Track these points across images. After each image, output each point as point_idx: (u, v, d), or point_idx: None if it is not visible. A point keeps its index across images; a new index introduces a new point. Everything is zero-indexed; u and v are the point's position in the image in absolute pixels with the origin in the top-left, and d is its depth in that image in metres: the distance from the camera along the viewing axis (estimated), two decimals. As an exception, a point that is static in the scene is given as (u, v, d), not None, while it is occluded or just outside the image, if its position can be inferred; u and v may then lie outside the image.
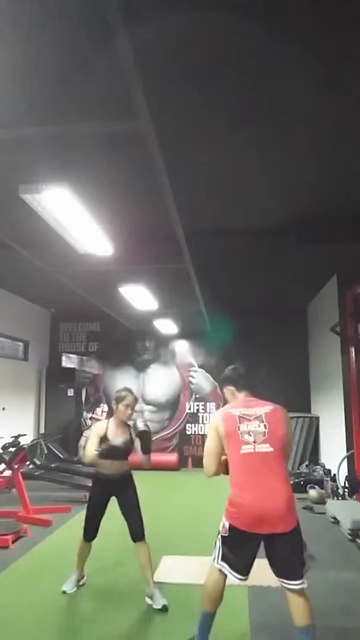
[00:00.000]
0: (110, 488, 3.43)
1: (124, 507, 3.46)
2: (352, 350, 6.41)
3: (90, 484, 6.36)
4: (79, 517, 5.41)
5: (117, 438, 3.37)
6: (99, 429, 3.39)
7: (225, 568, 2.47)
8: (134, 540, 3.37)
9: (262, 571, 3.64)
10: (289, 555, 2.42)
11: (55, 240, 4.26)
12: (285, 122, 3.15)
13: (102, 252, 4.36)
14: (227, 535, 2.45)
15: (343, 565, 3.92)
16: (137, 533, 3.38)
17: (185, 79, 2.70)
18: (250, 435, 2.49)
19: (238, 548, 2.45)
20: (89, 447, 3.28)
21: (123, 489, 3.46)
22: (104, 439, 3.32)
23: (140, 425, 3.41)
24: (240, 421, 2.54)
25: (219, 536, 2.51)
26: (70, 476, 6.79)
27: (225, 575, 2.50)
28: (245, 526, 2.39)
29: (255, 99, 2.90)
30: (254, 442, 2.47)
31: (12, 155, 3.46)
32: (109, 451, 3.32)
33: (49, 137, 3.22)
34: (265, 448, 2.46)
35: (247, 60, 2.56)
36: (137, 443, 3.41)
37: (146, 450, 3.40)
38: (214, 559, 2.52)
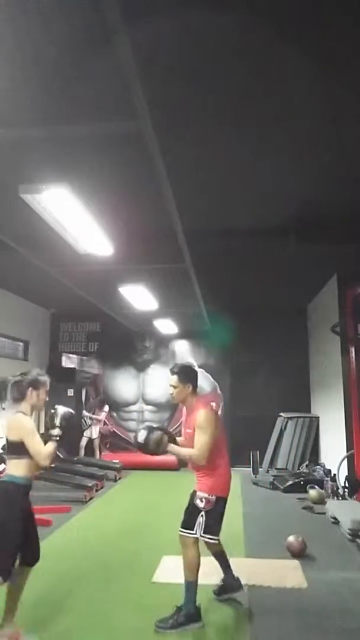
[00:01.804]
0: (25, 500, 2.63)
1: (31, 523, 2.69)
2: (352, 350, 6.41)
3: (89, 484, 6.47)
4: (79, 517, 5.42)
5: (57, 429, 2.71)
6: (33, 425, 2.62)
7: (207, 537, 2.93)
8: (34, 564, 2.70)
9: (262, 571, 3.65)
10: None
11: (55, 240, 4.26)
12: (285, 123, 3.15)
13: (102, 252, 4.36)
14: (212, 508, 2.91)
15: (343, 565, 3.92)
16: (39, 554, 2.74)
17: (185, 79, 2.70)
18: (221, 421, 3.17)
19: (220, 515, 2.97)
20: (40, 445, 2.55)
21: (29, 503, 2.69)
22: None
23: (63, 410, 2.75)
24: (218, 413, 3.06)
25: (202, 512, 2.91)
26: (70, 476, 6.80)
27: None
28: (226, 493, 3.00)
29: (255, 99, 2.90)
30: (222, 425, 3.15)
31: (12, 155, 3.46)
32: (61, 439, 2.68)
33: (49, 137, 3.22)
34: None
35: (247, 60, 2.56)
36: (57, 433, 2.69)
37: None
38: (196, 532, 2.90)
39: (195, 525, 2.92)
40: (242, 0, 2.19)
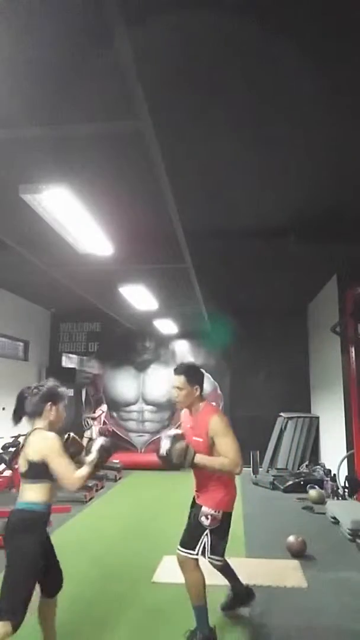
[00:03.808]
0: (45, 528, 2.30)
1: (52, 554, 2.39)
2: (352, 350, 6.41)
3: (89, 484, 6.46)
4: (79, 517, 5.42)
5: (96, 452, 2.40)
6: (60, 445, 2.26)
7: (214, 559, 2.64)
8: (55, 594, 2.40)
9: (262, 571, 3.64)
10: None
11: (55, 240, 4.26)
12: (285, 122, 3.15)
13: (102, 252, 4.37)
14: (219, 525, 2.62)
15: (343, 565, 3.92)
16: (61, 582, 2.44)
17: (186, 79, 2.70)
18: None
19: (225, 532, 2.67)
20: (69, 468, 2.19)
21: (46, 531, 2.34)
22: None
23: (106, 440, 2.48)
24: None
25: (207, 531, 2.60)
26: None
27: None
28: (231, 508, 2.71)
29: (255, 99, 2.90)
30: None
31: (12, 155, 3.46)
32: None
33: (49, 137, 3.22)
34: None
35: (247, 60, 2.56)
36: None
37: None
38: (198, 553, 2.60)
39: (198, 546, 2.60)
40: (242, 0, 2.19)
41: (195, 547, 2.60)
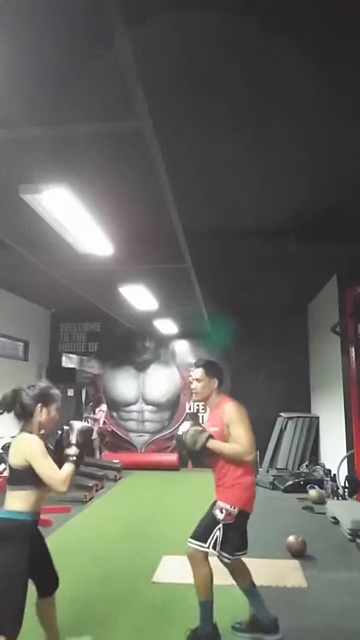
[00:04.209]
0: (33, 537, 2.21)
1: (41, 552, 2.32)
2: (352, 350, 6.41)
3: (89, 484, 6.47)
4: (79, 517, 5.42)
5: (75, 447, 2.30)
6: (43, 447, 2.18)
7: (223, 554, 2.57)
8: (50, 594, 2.37)
9: (262, 571, 3.64)
10: None
11: (55, 240, 4.26)
12: (285, 122, 3.15)
13: (102, 252, 4.36)
14: (232, 522, 2.56)
15: (343, 565, 3.92)
16: (56, 582, 2.40)
17: (185, 79, 2.70)
18: None
19: (241, 532, 2.63)
20: (53, 469, 2.13)
21: (37, 532, 2.30)
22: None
23: (79, 425, 2.34)
24: None
25: (220, 525, 2.55)
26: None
27: None
28: (250, 508, 2.64)
29: (255, 99, 2.90)
30: None
31: (12, 155, 3.46)
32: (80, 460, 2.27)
33: (49, 137, 3.22)
34: None
35: (247, 60, 2.56)
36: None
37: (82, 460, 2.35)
38: (208, 546, 2.55)
39: (210, 539, 2.55)
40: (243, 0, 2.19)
41: (206, 540, 2.56)
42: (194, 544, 2.60)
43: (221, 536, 2.55)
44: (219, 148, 3.46)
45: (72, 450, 2.22)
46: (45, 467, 2.11)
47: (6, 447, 5.46)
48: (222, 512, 2.57)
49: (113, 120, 2.99)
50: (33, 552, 2.15)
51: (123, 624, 2.94)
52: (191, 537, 2.63)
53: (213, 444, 2.59)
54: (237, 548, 2.63)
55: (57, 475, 2.11)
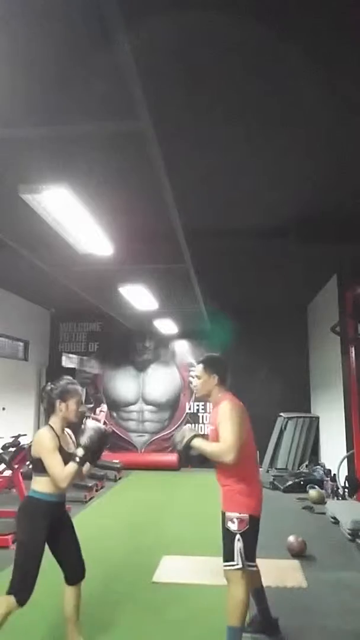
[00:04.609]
0: (53, 517, 2.45)
1: (68, 540, 2.58)
2: (352, 350, 6.41)
3: (89, 484, 6.47)
4: (79, 517, 5.42)
5: (70, 445, 2.54)
6: (53, 440, 2.39)
7: (251, 565, 2.45)
8: (74, 583, 2.54)
9: (262, 571, 3.64)
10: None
11: (55, 240, 4.26)
12: (285, 122, 3.15)
13: (102, 252, 4.36)
14: (247, 528, 2.43)
15: (343, 565, 3.92)
16: (81, 573, 2.57)
17: (185, 78, 2.70)
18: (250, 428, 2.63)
19: (254, 537, 2.49)
20: (57, 465, 2.33)
21: (63, 515, 2.56)
22: (60, 450, 2.41)
23: (92, 426, 2.53)
24: (247, 417, 2.62)
25: (238, 536, 2.41)
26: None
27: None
28: (259, 512, 2.52)
29: (255, 99, 2.90)
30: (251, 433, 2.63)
31: (12, 155, 3.46)
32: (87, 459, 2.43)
33: (49, 137, 3.22)
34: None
35: (247, 60, 2.56)
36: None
37: (98, 458, 2.58)
38: (238, 563, 2.39)
39: (235, 554, 2.40)
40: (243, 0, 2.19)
41: (233, 557, 2.41)
42: (226, 566, 2.46)
43: (242, 546, 2.41)
44: (219, 148, 3.46)
45: (79, 451, 2.38)
46: (50, 463, 2.33)
47: (6, 447, 5.47)
48: (234, 522, 2.44)
49: (113, 120, 2.99)
50: (55, 530, 2.44)
51: (123, 624, 2.94)
52: (223, 559, 2.50)
53: (196, 442, 2.50)
54: (252, 558, 2.48)
55: (59, 472, 2.31)
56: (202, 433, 2.60)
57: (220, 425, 2.46)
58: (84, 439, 2.41)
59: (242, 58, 2.55)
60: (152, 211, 4.42)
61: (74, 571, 2.54)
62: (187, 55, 2.52)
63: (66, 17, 2.23)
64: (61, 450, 2.39)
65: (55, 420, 2.48)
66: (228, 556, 2.44)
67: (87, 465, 2.52)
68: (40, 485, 2.39)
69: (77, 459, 2.35)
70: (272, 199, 4.34)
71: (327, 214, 4.67)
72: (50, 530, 2.41)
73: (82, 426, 2.49)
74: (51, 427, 2.44)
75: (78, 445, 2.41)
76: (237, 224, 4.93)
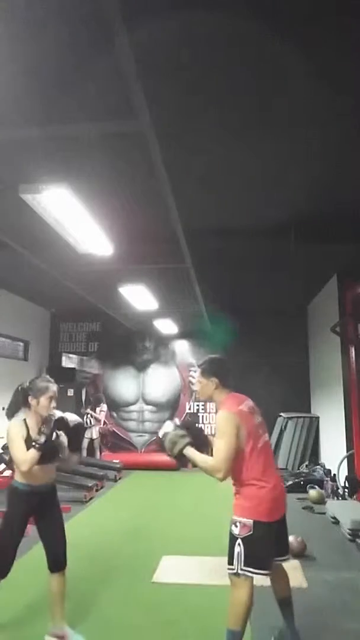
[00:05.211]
0: (36, 504, 2.66)
1: (50, 528, 2.72)
2: (352, 350, 6.41)
3: (89, 484, 6.47)
4: (79, 517, 5.42)
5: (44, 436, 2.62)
6: (19, 430, 2.59)
7: (247, 570, 2.35)
8: (56, 570, 2.68)
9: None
10: (285, 533, 2.57)
11: (55, 240, 4.26)
12: (285, 123, 3.15)
13: (102, 252, 4.36)
14: (249, 533, 2.35)
15: (343, 565, 3.92)
16: (62, 561, 2.71)
17: (186, 79, 2.70)
18: (259, 427, 2.55)
19: (265, 542, 2.38)
20: (19, 451, 2.53)
21: (50, 504, 2.73)
22: (28, 440, 2.57)
23: (72, 417, 2.74)
24: (252, 416, 2.56)
25: (238, 541, 2.36)
26: (70, 476, 6.79)
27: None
28: (269, 517, 2.38)
29: (255, 99, 2.90)
30: (262, 433, 2.54)
31: (12, 155, 3.46)
32: (48, 447, 2.58)
33: (49, 137, 3.22)
34: (267, 437, 2.59)
35: (247, 60, 2.57)
36: (64, 440, 2.75)
37: (77, 447, 2.85)
38: (235, 567, 2.35)
39: (234, 558, 2.35)
40: (243, 0, 2.19)
41: (233, 561, 2.36)
42: (228, 569, 2.41)
43: (242, 551, 2.35)
44: (219, 148, 3.46)
45: (41, 439, 2.54)
46: (13, 448, 2.56)
47: (6, 447, 5.47)
48: (236, 526, 2.39)
49: (113, 120, 2.99)
50: (40, 517, 2.69)
51: (123, 624, 2.94)
52: (227, 563, 2.46)
53: (189, 452, 2.45)
54: (264, 560, 2.40)
55: (19, 456, 2.52)
56: (198, 427, 2.68)
57: (215, 438, 2.43)
58: (45, 428, 2.58)
59: (242, 58, 2.55)
60: (152, 211, 4.42)
61: (55, 559, 2.69)
62: (187, 56, 2.52)
63: (66, 18, 2.23)
64: (30, 439, 2.56)
65: (29, 415, 2.67)
66: (229, 559, 2.41)
67: (74, 457, 2.80)
68: (17, 474, 2.65)
69: (37, 445, 2.51)
70: (272, 199, 4.34)
71: (327, 214, 4.67)
72: (35, 516, 2.68)
73: (90, 435, 2.69)
74: (24, 420, 2.64)
75: (40, 432, 2.58)
76: (237, 224, 4.93)
